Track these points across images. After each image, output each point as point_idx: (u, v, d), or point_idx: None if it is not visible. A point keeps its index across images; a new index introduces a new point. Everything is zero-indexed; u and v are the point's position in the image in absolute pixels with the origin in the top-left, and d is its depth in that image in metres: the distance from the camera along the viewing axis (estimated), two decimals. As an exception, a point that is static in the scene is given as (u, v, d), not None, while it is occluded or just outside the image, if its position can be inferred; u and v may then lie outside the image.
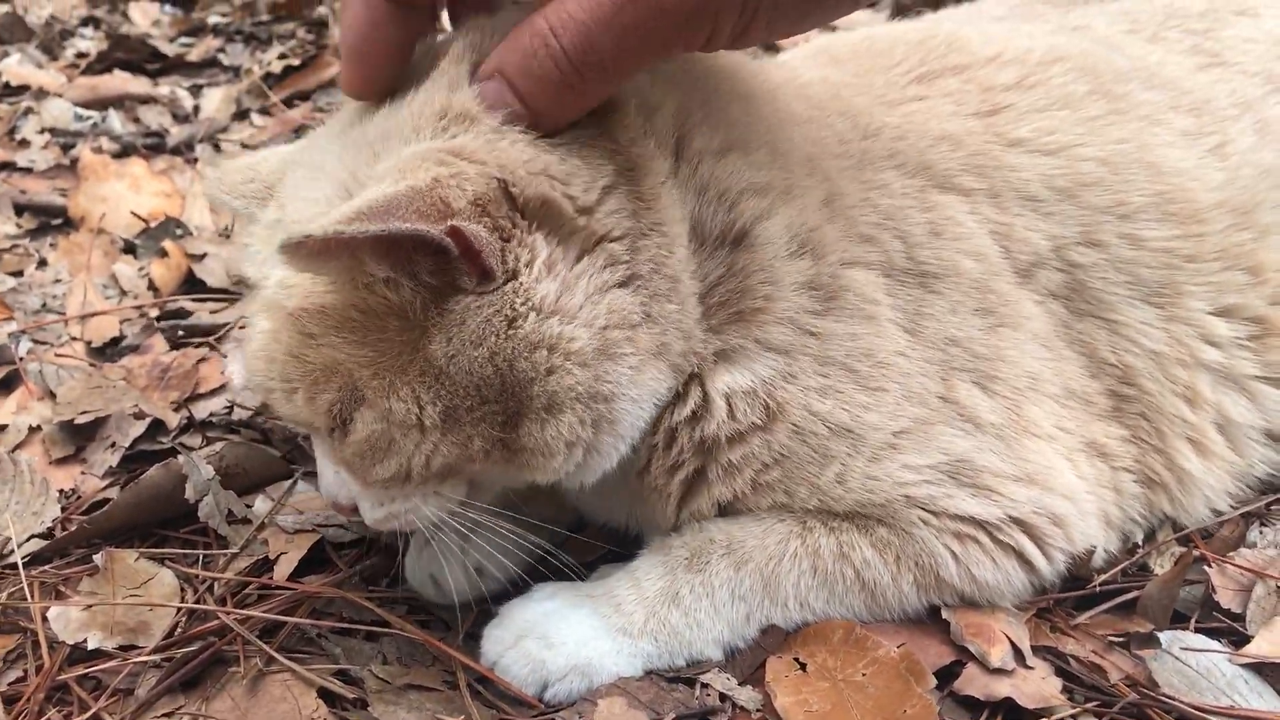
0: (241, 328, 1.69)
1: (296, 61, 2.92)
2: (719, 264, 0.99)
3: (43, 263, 2.01)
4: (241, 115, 2.72)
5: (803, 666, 1.01)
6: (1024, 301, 1.10)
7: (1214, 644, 1.04)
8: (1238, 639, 1.05)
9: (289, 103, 2.76)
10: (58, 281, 1.92)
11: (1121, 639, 1.06)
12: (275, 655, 1.05)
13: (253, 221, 1.05)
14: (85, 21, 3.47)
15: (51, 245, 2.08)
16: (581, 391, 0.92)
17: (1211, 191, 1.16)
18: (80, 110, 2.67)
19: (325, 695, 1.02)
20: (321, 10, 3.44)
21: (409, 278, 0.88)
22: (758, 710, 0.98)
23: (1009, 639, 1.03)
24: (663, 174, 0.97)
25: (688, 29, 0.86)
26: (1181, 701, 0.97)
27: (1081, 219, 1.12)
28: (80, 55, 3.08)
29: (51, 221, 2.18)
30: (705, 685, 1.00)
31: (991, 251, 1.09)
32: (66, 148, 2.51)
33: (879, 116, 1.14)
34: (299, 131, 2.57)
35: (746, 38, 0.89)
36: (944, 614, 1.06)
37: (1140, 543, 1.15)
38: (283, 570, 1.18)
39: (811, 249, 1.02)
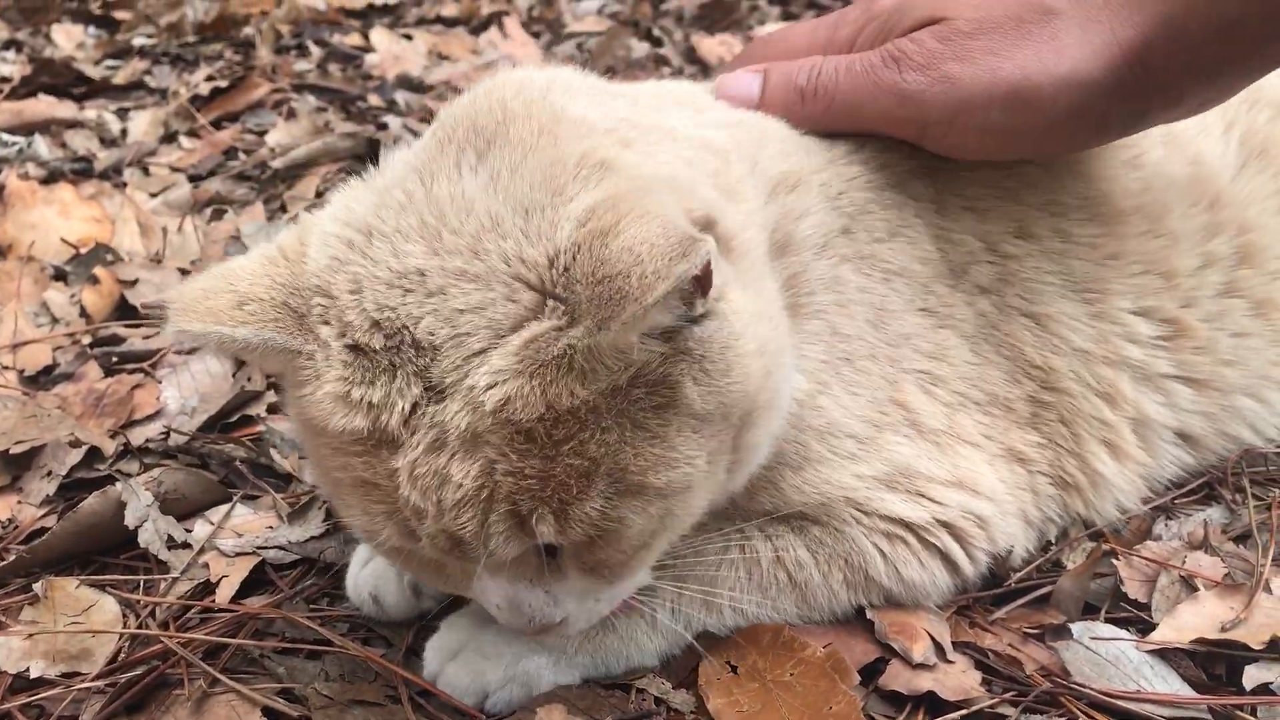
0: (178, 352, 1.69)
1: (224, 83, 2.91)
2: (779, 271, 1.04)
3: (-30, 292, 2.00)
4: (170, 138, 2.71)
5: (734, 669, 1.05)
6: (958, 304, 1.15)
7: (1122, 633, 1.09)
8: (1144, 627, 1.11)
9: (217, 124, 2.76)
10: (-13, 311, 1.91)
11: (1037, 631, 1.11)
12: (219, 676, 1.07)
13: (290, 352, 0.86)
14: (6, 45, 3.43)
15: (-21, 274, 2.06)
16: (774, 393, 0.94)
17: (1130, 198, 1.23)
18: (5, 136, 2.65)
19: (270, 714, 1.03)
20: (248, 31, 3.43)
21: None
22: (691, 712, 1.02)
23: (930, 636, 1.08)
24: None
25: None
26: (1091, 688, 1.02)
27: (1015, 214, 1.18)
28: (3, 80, 3.04)
29: (-21, 250, 2.16)
30: (640, 690, 1.04)
31: (934, 255, 1.14)
32: (-8, 174, 2.48)
33: None
34: (228, 154, 2.58)
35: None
36: (868, 614, 1.10)
37: (1054, 540, 1.21)
38: (224, 593, 1.20)
39: (826, 244, 1.07)
